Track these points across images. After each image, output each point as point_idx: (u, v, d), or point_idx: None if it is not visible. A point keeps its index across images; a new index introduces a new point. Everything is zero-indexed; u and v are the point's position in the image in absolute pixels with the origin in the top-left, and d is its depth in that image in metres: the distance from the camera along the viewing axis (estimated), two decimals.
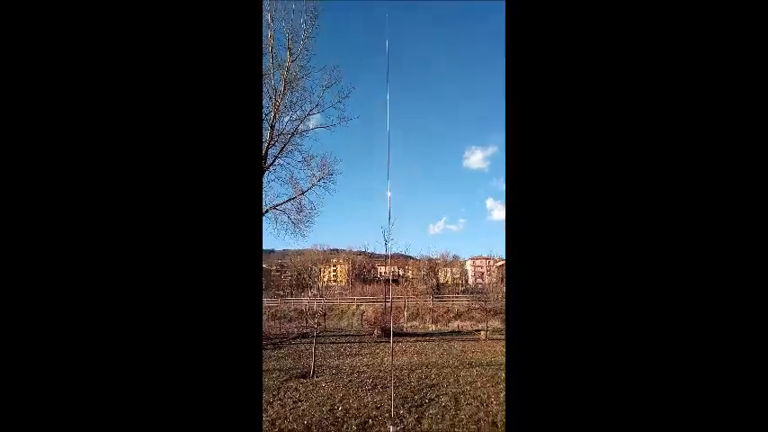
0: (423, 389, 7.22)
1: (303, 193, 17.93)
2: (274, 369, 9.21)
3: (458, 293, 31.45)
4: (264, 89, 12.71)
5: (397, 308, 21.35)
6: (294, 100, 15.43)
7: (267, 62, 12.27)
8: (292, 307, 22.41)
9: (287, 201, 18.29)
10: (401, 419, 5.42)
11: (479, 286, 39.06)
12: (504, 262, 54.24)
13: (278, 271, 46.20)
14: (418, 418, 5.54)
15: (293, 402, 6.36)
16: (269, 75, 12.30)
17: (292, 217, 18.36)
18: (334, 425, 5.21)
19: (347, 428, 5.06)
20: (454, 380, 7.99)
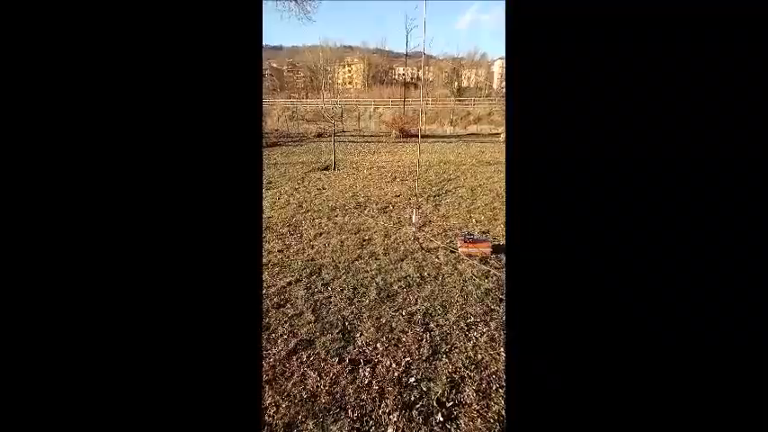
0: (440, 182, 7.47)
1: None
2: (297, 162, 9.59)
3: (480, 97, 29.89)
4: None
5: (415, 111, 20.61)
6: None
7: None
8: (309, 108, 21.87)
9: None
10: (419, 207, 5.72)
11: (504, 90, 36.35)
12: None
13: (290, 71, 43.14)
14: (436, 205, 5.84)
15: (317, 189, 6.75)
16: None
17: None
18: (357, 207, 5.57)
19: (369, 211, 5.42)
20: (471, 175, 8.18)
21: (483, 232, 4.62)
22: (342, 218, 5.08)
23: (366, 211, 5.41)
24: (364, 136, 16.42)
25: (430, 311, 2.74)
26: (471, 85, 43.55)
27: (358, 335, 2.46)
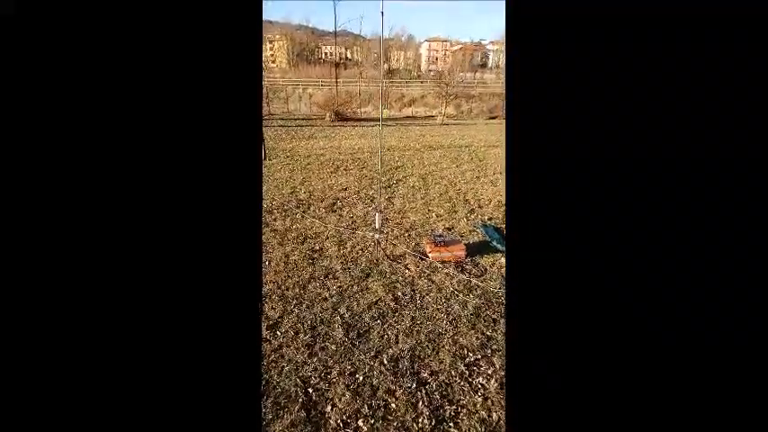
0: (388, 170, 6.85)
1: None
2: None
3: (411, 79, 29.96)
4: None
5: (347, 92, 19.61)
6: None
7: None
8: None
9: None
10: (371, 200, 5.05)
11: (431, 73, 36.98)
12: (462, 46, 50.07)
13: None
14: (389, 198, 5.22)
15: None
16: None
17: None
18: (299, 207, 4.70)
19: (314, 210, 4.60)
20: (418, 161, 7.70)
21: (447, 229, 4.13)
22: (282, 222, 4.19)
23: (311, 211, 4.57)
24: (296, 119, 15.03)
25: (417, 352, 2.12)
26: (401, 67, 43.31)
27: (329, 408, 1.74)
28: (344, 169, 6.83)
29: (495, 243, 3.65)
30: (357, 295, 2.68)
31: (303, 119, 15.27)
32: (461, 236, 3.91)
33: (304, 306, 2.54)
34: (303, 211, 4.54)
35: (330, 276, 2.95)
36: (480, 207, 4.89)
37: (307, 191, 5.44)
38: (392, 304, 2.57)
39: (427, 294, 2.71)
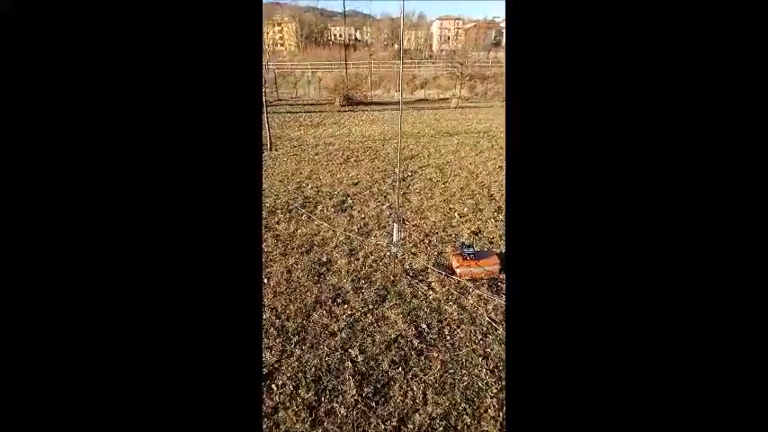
0: (403, 161, 6.27)
1: None
2: None
3: (423, 60, 28.91)
4: None
5: (356, 75, 18.83)
6: None
7: None
8: None
9: None
10: (385, 197, 4.52)
11: (444, 53, 35.55)
12: (474, 24, 48.01)
13: None
14: (404, 193, 4.68)
15: None
16: None
17: None
18: (305, 206, 4.21)
19: (322, 210, 4.10)
20: (435, 150, 7.09)
21: (473, 233, 3.58)
22: (285, 224, 3.71)
23: (319, 211, 4.07)
24: (304, 105, 14.42)
25: (452, 419, 1.62)
26: (412, 47, 41.83)
27: None
28: (355, 160, 6.28)
29: None
30: (372, 328, 2.18)
31: (312, 104, 14.66)
32: (491, 243, 3.37)
33: (307, 345, 2.06)
34: (310, 211, 4.04)
35: (339, 300, 2.46)
36: None
37: (314, 186, 4.93)
38: (415, 342, 2.07)
39: (458, 327, 2.20)
